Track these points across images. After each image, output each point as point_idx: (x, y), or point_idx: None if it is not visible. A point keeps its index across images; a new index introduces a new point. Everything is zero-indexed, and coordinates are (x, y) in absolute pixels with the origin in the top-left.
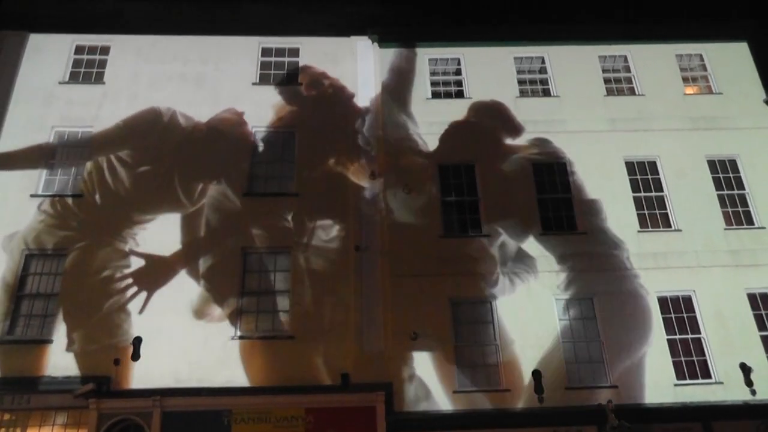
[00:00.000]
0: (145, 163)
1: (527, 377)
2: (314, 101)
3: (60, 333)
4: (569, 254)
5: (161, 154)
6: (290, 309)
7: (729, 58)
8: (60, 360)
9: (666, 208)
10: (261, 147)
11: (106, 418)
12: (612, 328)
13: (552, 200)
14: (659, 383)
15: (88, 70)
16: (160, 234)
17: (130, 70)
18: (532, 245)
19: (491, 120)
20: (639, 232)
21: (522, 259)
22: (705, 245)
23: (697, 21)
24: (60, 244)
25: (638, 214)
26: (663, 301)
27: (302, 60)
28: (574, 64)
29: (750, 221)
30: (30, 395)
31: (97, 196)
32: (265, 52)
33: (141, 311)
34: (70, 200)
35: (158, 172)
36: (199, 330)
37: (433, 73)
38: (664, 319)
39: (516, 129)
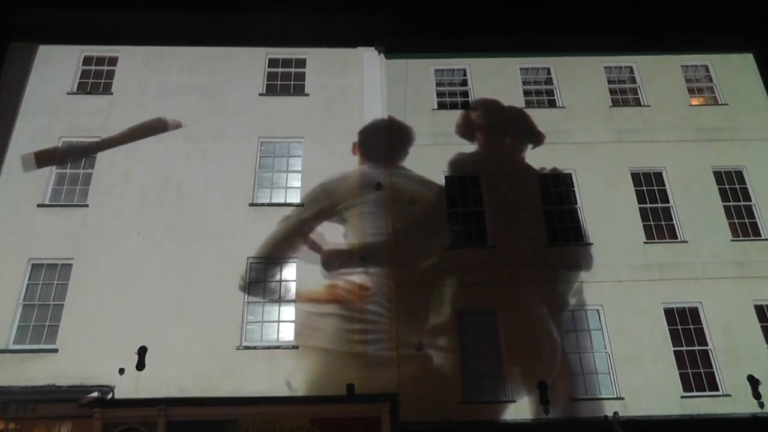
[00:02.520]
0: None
1: (533, 388)
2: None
3: (65, 342)
4: (575, 265)
5: (164, 164)
6: (295, 319)
7: (735, 70)
8: (65, 369)
9: (672, 220)
10: (266, 157)
11: (110, 427)
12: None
13: (558, 211)
14: (666, 395)
15: (96, 81)
16: (161, 242)
17: (138, 80)
18: (537, 256)
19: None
20: (645, 243)
21: (527, 270)
22: (712, 257)
23: (702, 32)
24: (64, 252)
25: (644, 225)
26: (670, 313)
27: (308, 70)
28: (579, 75)
29: (757, 233)
30: (35, 404)
31: (99, 205)
32: (272, 62)
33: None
34: (75, 209)
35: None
36: (204, 339)
37: (439, 84)
38: (670, 330)
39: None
